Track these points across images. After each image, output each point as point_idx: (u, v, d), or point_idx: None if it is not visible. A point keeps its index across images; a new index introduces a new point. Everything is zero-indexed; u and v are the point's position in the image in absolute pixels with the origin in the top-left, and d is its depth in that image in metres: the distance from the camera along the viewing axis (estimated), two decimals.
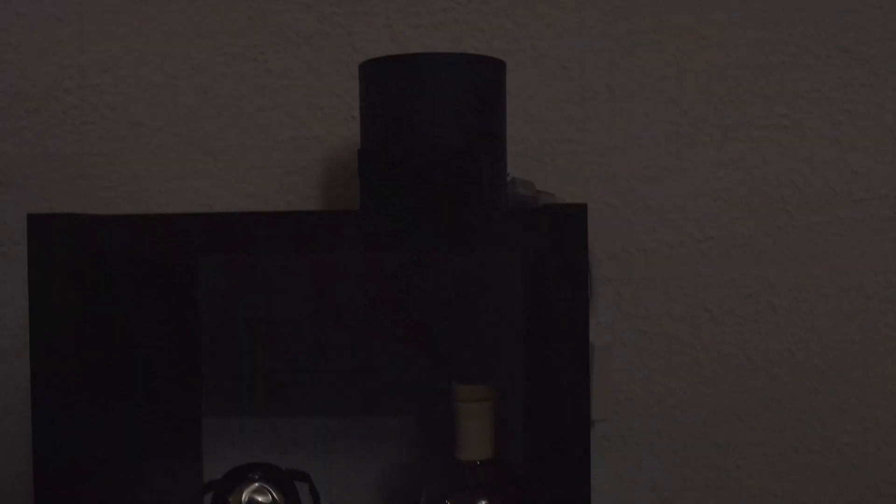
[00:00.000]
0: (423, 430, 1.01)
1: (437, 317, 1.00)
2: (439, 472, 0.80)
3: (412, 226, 0.66)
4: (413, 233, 0.67)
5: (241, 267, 1.00)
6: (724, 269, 1.00)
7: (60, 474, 0.68)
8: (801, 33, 0.99)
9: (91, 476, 0.71)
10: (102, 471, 0.73)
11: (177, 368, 0.91)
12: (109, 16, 1.00)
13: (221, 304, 1.00)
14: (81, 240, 0.68)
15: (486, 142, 0.76)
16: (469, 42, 0.99)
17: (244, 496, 0.75)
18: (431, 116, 0.76)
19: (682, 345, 1.00)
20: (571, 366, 0.67)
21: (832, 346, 1.00)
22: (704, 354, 1.00)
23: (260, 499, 0.75)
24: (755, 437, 1.00)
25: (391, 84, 0.75)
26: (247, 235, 0.67)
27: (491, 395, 0.79)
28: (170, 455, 0.89)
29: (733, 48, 0.99)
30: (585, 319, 0.66)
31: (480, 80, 0.76)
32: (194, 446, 0.96)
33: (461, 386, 0.79)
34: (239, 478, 0.76)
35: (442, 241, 0.67)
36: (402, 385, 1.01)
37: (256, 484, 0.76)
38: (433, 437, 1.00)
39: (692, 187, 1.00)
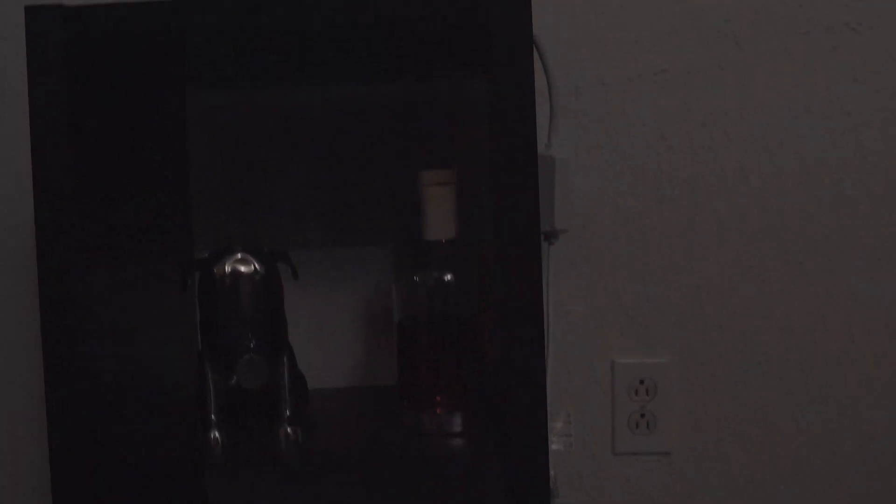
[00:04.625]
0: (399, 257, 1.07)
1: (409, 125, 1.07)
2: (408, 252, 0.87)
3: None
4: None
5: (229, 100, 1.07)
6: (679, 99, 1.06)
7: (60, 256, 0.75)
8: None
9: (88, 301, 0.77)
10: (97, 300, 0.79)
11: (168, 205, 0.98)
12: None
13: (207, 140, 1.07)
14: (77, 28, 0.74)
15: None
16: None
17: (227, 266, 0.81)
18: None
19: (641, 170, 1.07)
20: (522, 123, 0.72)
21: (782, 167, 1.06)
22: (663, 179, 1.07)
23: (242, 268, 0.81)
24: (711, 252, 1.07)
25: None
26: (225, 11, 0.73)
27: (452, 180, 0.85)
28: (163, 286, 0.95)
29: None
30: (531, 73, 0.72)
31: None
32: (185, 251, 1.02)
33: (426, 172, 0.85)
34: (223, 251, 0.82)
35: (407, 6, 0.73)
36: (379, 206, 1.07)
37: (239, 255, 0.82)
38: (399, 222, 1.07)
39: (648, 22, 1.06)
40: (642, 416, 1.07)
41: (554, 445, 0.97)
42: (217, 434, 0.83)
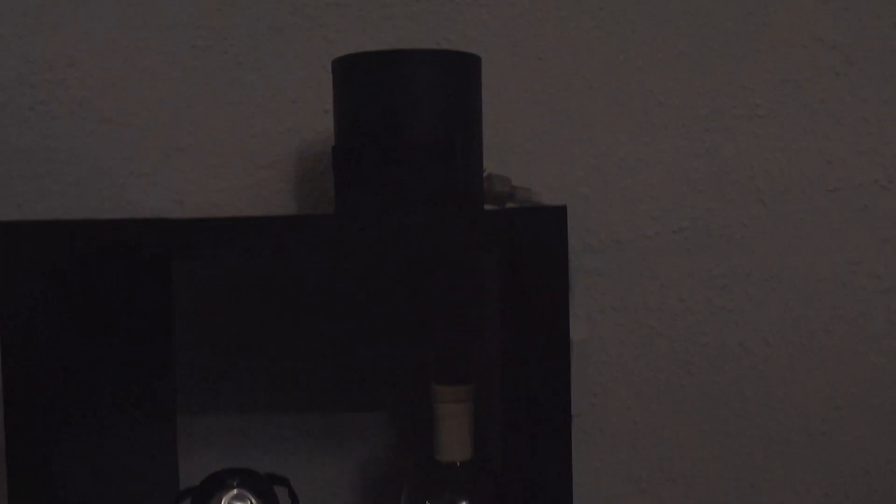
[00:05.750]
0: (400, 425, 1.00)
1: (415, 316, 0.99)
2: (419, 473, 0.80)
3: (388, 230, 0.66)
4: (389, 237, 0.66)
5: (215, 266, 0.99)
6: (699, 260, 1.00)
7: (34, 473, 0.68)
8: (775, 23, 0.98)
9: (65, 476, 0.70)
10: (77, 473, 0.72)
11: (151, 371, 0.90)
12: (75, 7, 0.97)
13: (195, 305, 0.99)
14: (51, 246, 0.67)
15: (462, 138, 0.75)
16: (443, 34, 0.97)
17: (223, 503, 0.74)
18: (406, 113, 0.75)
19: (658, 336, 1.00)
20: (551, 364, 0.66)
21: (807, 335, 1.00)
22: (681, 345, 1.00)
23: None
24: (732, 426, 1.01)
25: (366, 80, 0.75)
26: (220, 240, 0.66)
27: (470, 397, 0.78)
28: (145, 455, 0.88)
29: (708, 38, 0.98)
30: (566, 319, 0.66)
31: (455, 77, 0.75)
32: (170, 446, 0.95)
33: (440, 387, 0.78)
34: (217, 484, 0.75)
35: (418, 243, 0.66)
36: (379, 383, 1.00)
37: (235, 490, 0.75)
38: (409, 432, 1.00)
39: (667, 178, 0.99)
40: None
41: None
42: None
